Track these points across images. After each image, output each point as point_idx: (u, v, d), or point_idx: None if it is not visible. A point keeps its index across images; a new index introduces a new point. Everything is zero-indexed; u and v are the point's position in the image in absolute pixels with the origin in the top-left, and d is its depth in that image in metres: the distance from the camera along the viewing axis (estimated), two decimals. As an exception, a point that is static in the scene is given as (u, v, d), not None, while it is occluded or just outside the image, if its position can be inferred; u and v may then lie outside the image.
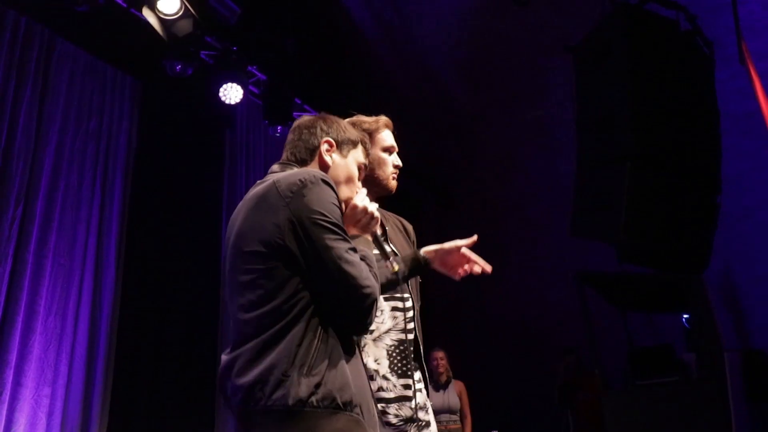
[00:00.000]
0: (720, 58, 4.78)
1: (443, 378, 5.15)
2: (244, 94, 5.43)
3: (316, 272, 1.35)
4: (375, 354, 1.95)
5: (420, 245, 1.99)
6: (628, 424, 4.23)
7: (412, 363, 2.00)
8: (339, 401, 1.27)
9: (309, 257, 1.34)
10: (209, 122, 5.64)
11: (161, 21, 4.61)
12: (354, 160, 1.67)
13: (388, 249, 2.08)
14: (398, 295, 1.99)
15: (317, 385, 1.26)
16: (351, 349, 1.39)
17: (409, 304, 2.01)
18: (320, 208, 1.37)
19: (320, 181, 1.41)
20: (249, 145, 5.99)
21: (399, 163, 2.21)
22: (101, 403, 4.09)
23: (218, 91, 5.34)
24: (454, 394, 5.12)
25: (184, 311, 4.91)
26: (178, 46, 4.85)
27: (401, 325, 1.99)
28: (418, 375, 2.02)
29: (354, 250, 1.41)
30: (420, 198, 8.35)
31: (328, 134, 1.65)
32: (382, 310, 1.96)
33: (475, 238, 1.95)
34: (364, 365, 1.87)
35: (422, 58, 7.35)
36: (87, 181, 4.44)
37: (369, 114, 2.29)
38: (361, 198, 1.60)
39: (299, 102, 6.28)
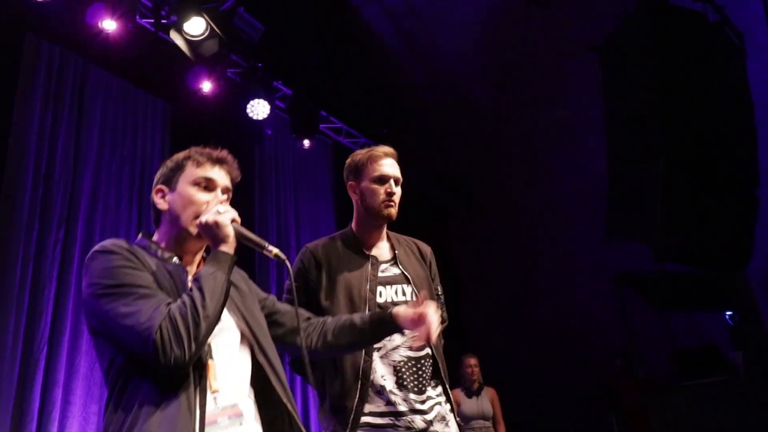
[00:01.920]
0: (751, 48, 4.70)
1: (475, 385, 5.16)
2: (271, 109, 5.50)
3: (113, 337, 1.42)
4: (381, 370, 2.06)
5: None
6: (675, 426, 4.14)
7: (429, 379, 2.09)
8: None
9: (104, 325, 1.42)
10: (238, 139, 5.72)
11: (188, 42, 4.71)
12: (185, 183, 1.62)
13: (397, 271, 2.19)
14: None
15: None
16: (163, 394, 1.36)
17: None
18: (92, 279, 1.43)
19: (94, 254, 1.48)
20: (278, 159, 6.06)
21: (393, 191, 2.21)
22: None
23: (246, 108, 5.42)
24: (486, 401, 5.12)
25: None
26: (205, 66, 4.96)
27: (409, 343, 2.06)
28: (438, 389, 2.11)
29: (137, 293, 1.40)
30: (447, 205, 8.33)
31: (157, 183, 1.68)
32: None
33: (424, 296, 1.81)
34: (371, 381, 2.03)
35: (444, 64, 7.36)
36: (124, 202, 4.54)
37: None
38: (207, 215, 1.55)
39: (325, 114, 6.34)
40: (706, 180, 4.10)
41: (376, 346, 2.06)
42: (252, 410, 1.53)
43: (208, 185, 1.62)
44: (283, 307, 1.86)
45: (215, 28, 4.69)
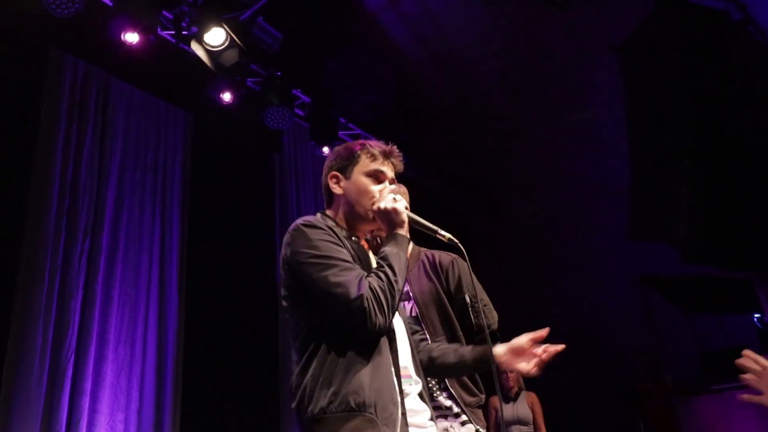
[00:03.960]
0: (775, 46, 4.61)
1: (514, 390, 5.14)
2: (290, 117, 5.53)
3: (317, 301, 1.59)
4: None
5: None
6: (704, 430, 4.06)
7: (433, 388, 2.16)
8: (352, 404, 1.48)
9: (309, 291, 1.59)
10: (258, 147, 5.77)
11: (209, 53, 4.77)
12: (360, 174, 1.81)
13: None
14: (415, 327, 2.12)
15: (334, 394, 1.50)
16: (369, 353, 1.56)
17: (418, 336, 2.10)
18: (300, 248, 1.62)
19: (300, 227, 1.66)
20: (297, 167, 6.09)
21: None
22: (171, 426, 4.20)
23: (265, 116, 5.46)
24: (524, 406, 5.08)
25: (245, 331, 5.01)
26: (225, 75, 5.02)
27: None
28: (447, 401, 2.17)
29: (342, 265, 1.59)
30: (468, 211, 8.29)
31: (330, 169, 1.85)
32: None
33: (546, 330, 1.91)
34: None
35: (462, 70, 7.35)
36: (147, 212, 4.60)
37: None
38: (383, 201, 1.75)
39: (344, 121, 6.36)
40: (733, 180, 4.02)
41: None
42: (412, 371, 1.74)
43: (380, 177, 1.81)
44: None
45: (235, 38, 4.75)
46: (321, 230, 1.65)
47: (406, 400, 1.60)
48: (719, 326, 5.15)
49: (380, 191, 1.78)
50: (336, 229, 1.70)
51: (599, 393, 6.28)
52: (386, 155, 1.84)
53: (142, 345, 4.21)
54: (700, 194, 3.84)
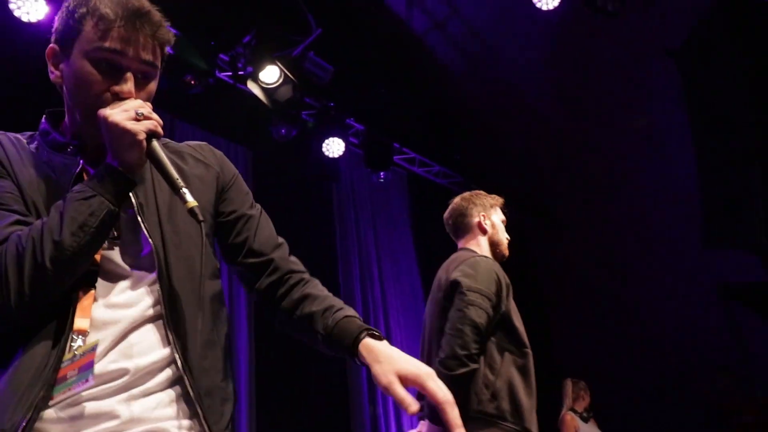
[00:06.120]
0: None
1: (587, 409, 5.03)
2: (346, 146, 5.64)
3: None
4: None
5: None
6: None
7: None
8: None
9: None
10: (316, 177, 5.90)
11: (264, 90, 4.94)
12: (80, 54, 1.13)
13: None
14: None
15: None
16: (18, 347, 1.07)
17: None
18: None
19: None
20: (355, 194, 6.18)
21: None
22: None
23: (321, 147, 5.58)
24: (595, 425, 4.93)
25: (316, 361, 5.10)
26: (281, 111, 5.17)
27: None
28: None
29: None
30: (527, 227, 8.17)
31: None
32: None
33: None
34: None
35: (512, 85, 7.31)
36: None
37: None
38: (113, 108, 1.08)
39: (398, 146, 6.42)
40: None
41: None
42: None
43: (115, 62, 1.11)
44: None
45: (288, 74, 4.90)
46: None
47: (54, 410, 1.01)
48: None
49: (112, 87, 1.11)
50: (11, 149, 1.13)
51: (683, 412, 6.00)
52: (130, 18, 1.09)
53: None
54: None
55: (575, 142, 7.38)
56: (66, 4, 1.15)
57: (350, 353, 1.14)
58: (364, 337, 1.13)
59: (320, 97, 5.68)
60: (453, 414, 1.02)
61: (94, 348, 1.04)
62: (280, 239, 1.43)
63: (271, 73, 4.86)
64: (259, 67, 4.84)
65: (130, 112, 1.07)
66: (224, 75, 5.11)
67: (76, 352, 1.03)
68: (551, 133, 7.52)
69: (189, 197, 1.06)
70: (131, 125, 1.06)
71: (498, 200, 2.67)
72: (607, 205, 7.43)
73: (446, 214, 2.69)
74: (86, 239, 1.03)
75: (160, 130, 1.11)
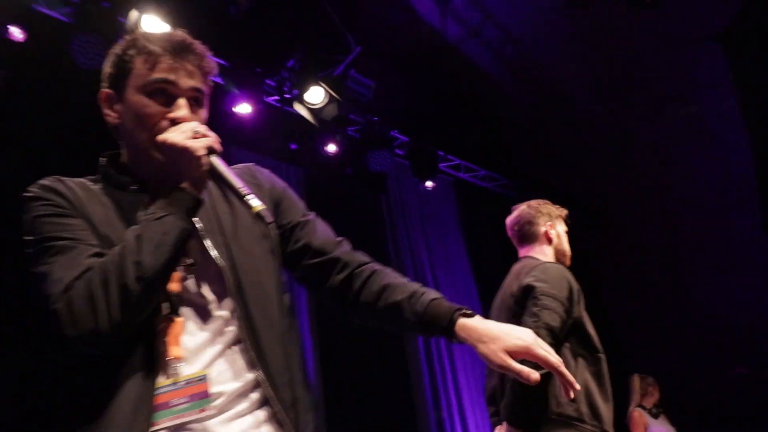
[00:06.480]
0: None
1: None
2: (391, 158, 5.76)
3: None
4: None
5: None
6: None
7: None
8: None
9: None
10: (366, 190, 6.05)
11: (311, 111, 5.13)
12: (134, 90, 1.22)
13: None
14: None
15: None
16: (103, 375, 1.13)
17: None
18: (25, 238, 1.17)
19: (25, 200, 1.19)
20: (404, 205, 6.29)
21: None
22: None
23: (368, 161, 5.72)
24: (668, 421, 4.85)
25: (379, 370, 5.20)
26: (327, 129, 5.34)
27: None
28: None
29: (55, 247, 1.12)
30: (579, 226, 8.07)
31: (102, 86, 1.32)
32: None
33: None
34: None
35: (553, 84, 7.29)
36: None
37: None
38: (171, 132, 1.15)
39: (442, 153, 6.51)
40: None
41: None
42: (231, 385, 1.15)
43: (167, 91, 1.19)
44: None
45: (333, 93, 5.07)
46: (41, 201, 1.15)
47: None
48: None
49: (167, 115, 1.17)
50: (76, 190, 1.18)
51: (745, 400, 5.83)
52: (176, 51, 1.18)
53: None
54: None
55: (622, 136, 7.29)
56: (113, 50, 1.25)
57: (448, 335, 1.22)
58: (458, 318, 1.21)
59: (364, 113, 5.84)
60: (569, 374, 1.20)
61: (202, 378, 1.10)
62: (340, 237, 1.47)
63: (316, 94, 5.04)
64: (304, 89, 5.03)
65: (188, 132, 1.13)
66: (272, 99, 5.32)
67: (178, 380, 1.09)
68: (596, 130, 7.45)
69: (255, 202, 1.10)
70: (190, 143, 1.12)
71: (563, 211, 2.71)
72: (660, 198, 7.29)
73: (511, 221, 2.70)
74: (165, 257, 1.07)
75: (218, 145, 1.16)
